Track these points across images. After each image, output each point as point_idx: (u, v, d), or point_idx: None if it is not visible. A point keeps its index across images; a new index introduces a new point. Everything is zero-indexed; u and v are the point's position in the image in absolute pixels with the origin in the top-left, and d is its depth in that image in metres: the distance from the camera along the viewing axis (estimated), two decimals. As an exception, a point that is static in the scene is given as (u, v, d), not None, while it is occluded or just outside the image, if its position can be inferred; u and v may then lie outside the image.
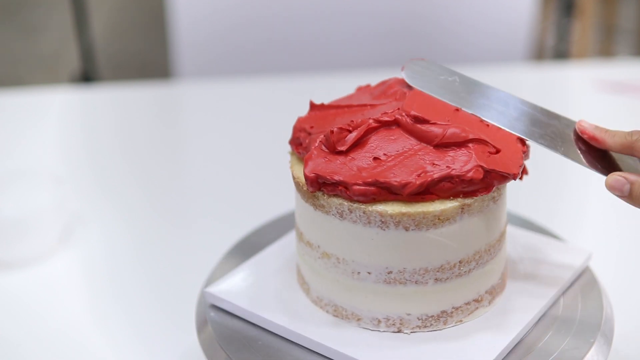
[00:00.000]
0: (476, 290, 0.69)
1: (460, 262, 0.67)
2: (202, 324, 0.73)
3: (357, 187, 0.64)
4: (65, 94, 1.54)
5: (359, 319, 0.69)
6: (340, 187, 0.64)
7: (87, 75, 2.33)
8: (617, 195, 0.64)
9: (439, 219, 0.64)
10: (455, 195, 0.65)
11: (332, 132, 0.66)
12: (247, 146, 1.27)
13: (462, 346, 0.66)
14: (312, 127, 0.70)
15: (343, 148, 0.66)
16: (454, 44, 1.68)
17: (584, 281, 0.75)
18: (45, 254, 0.98)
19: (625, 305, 0.81)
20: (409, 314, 0.68)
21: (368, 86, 0.77)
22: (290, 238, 0.80)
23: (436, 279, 0.67)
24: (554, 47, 2.58)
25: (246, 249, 0.81)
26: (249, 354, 0.68)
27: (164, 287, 0.95)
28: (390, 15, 1.65)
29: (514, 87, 1.47)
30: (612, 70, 1.57)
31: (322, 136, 0.67)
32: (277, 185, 1.06)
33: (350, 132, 0.67)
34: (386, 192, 0.64)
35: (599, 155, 0.67)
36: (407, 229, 0.64)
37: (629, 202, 0.64)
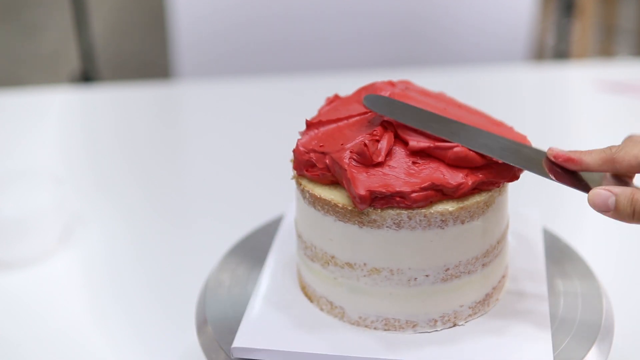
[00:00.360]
0: (504, 266, 0.73)
1: (497, 242, 0.70)
2: (202, 324, 0.73)
3: (416, 194, 0.64)
4: (65, 94, 1.54)
5: (414, 326, 0.68)
6: (396, 198, 0.64)
7: (87, 75, 2.33)
8: (602, 212, 0.61)
9: (486, 205, 0.67)
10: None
11: (365, 144, 0.65)
12: (247, 146, 1.27)
13: (517, 323, 0.69)
14: (322, 146, 0.68)
15: (381, 159, 0.65)
16: (454, 44, 1.68)
17: (584, 281, 0.75)
18: (45, 254, 0.98)
19: (625, 305, 0.81)
20: (461, 306, 0.69)
21: (337, 96, 0.76)
22: (283, 254, 0.78)
23: (483, 265, 0.69)
24: (554, 47, 2.58)
25: (246, 249, 0.81)
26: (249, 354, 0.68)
27: (164, 287, 0.95)
28: (390, 16, 1.65)
29: (514, 87, 1.47)
30: (612, 70, 1.57)
31: (347, 152, 0.65)
32: (277, 185, 1.06)
33: (378, 141, 0.66)
34: (440, 193, 0.65)
35: (573, 180, 0.67)
36: (463, 222, 0.66)
37: (615, 217, 0.61)
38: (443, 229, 0.65)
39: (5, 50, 3.31)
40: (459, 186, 0.64)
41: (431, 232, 0.65)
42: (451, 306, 0.69)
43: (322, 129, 0.70)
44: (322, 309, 0.71)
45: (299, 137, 0.71)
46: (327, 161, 0.67)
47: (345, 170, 0.65)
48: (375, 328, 0.69)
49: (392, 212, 0.64)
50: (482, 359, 0.65)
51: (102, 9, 3.50)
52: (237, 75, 1.56)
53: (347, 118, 0.70)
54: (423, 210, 0.64)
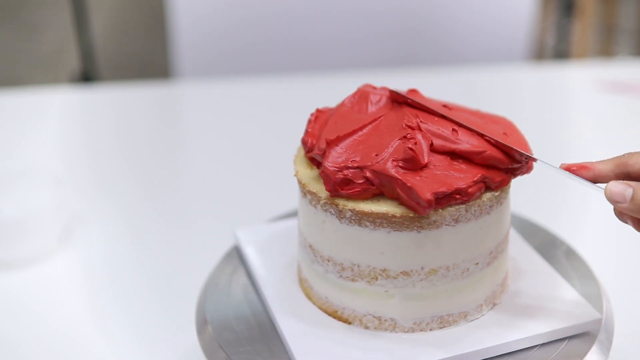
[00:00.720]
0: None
1: (508, 225, 0.74)
2: (202, 324, 0.73)
3: (471, 188, 0.65)
4: (65, 94, 1.54)
5: (466, 316, 0.70)
6: (455, 195, 0.64)
7: (87, 75, 2.33)
8: (618, 203, 0.63)
9: (509, 186, 0.70)
10: None
11: (411, 149, 0.64)
12: (247, 146, 1.27)
13: (539, 287, 0.73)
14: (354, 161, 0.66)
15: (427, 159, 0.65)
16: (454, 44, 1.68)
17: (584, 281, 0.75)
18: (45, 254, 0.98)
19: (625, 305, 0.81)
20: (497, 285, 0.72)
21: (320, 111, 0.74)
22: (275, 279, 0.76)
23: (507, 242, 0.73)
24: (554, 47, 2.58)
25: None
26: (249, 353, 0.68)
27: (164, 287, 0.95)
28: (390, 15, 1.65)
29: (514, 87, 1.47)
30: (612, 70, 1.57)
31: (390, 161, 0.65)
32: (277, 185, 1.06)
33: (416, 144, 0.66)
34: (485, 184, 0.67)
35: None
36: (501, 204, 0.69)
37: (628, 210, 0.63)
38: (489, 214, 0.67)
39: (5, 50, 3.31)
40: (502, 181, 0.67)
41: (482, 220, 0.67)
42: (491, 288, 0.71)
43: (342, 145, 0.68)
44: (367, 327, 0.70)
45: (321, 156, 0.68)
46: (367, 175, 0.65)
47: (398, 178, 0.64)
48: (430, 329, 0.69)
49: (450, 210, 0.65)
50: (538, 328, 0.68)
51: (102, 9, 3.51)
52: (237, 75, 1.56)
53: (361, 128, 0.69)
54: (478, 200, 0.66)
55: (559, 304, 0.71)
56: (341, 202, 0.66)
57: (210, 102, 1.43)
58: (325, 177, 0.66)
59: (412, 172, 0.65)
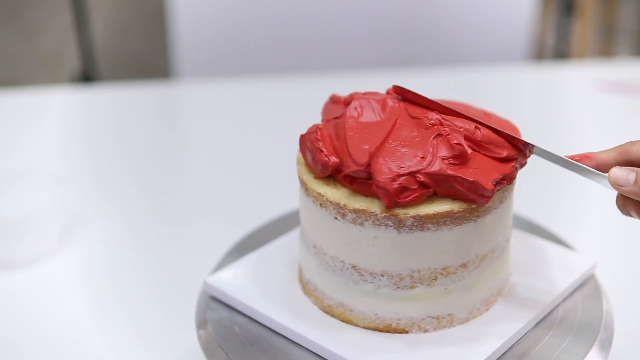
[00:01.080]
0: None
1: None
2: (202, 324, 0.73)
3: (512, 170, 0.67)
4: (65, 94, 1.54)
5: (501, 292, 0.72)
6: (504, 181, 0.66)
7: (87, 75, 2.34)
8: (621, 187, 0.63)
9: None
10: None
11: (459, 144, 0.65)
12: (247, 146, 1.27)
13: (531, 258, 0.77)
14: (401, 167, 0.65)
15: (470, 151, 0.66)
16: (454, 44, 1.68)
17: (584, 282, 0.75)
18: (45, 254, 0.98)
19: (625, 306, 0.81)
20: (510, 257, 0.75)
21: (318, 127, 0.71)
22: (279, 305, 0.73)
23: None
24: (554, 47, 2.58)
25: (246, 249, 0.81)
26: (249, 354, 0.68)
27: (164, 287, 0.95)
28: (390, 15, 1.65)
29: (514, 87, 1.47)
30: (612, 70, 1.57)
31: (438, 159, 0.65)
32: (277, 184, 1.06)
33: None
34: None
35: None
36: (516, 180, 0.71)
37: (633, 194, 0.63)
38: (513, 191, 0.71)
39: (5, 50, 3.32)
40: (525, 157, 0.70)
41: (511, 197, 0.70)
42: (507, 272, 0.74)
43: (382, 155, 0.66)
44: (426, 331, 0.69)
45: (364, 172, 0.66)
46: (420, 179, 0.65)
47: (458, 176, 0.64)
48: (480, 314, 0.71)
49: (499, 192, 0.67)
50: (559, 286, 0.72)
51: (102, 9, 3.51)
52: (237, 75, 1.56)
53: (387, 136, 0.68)
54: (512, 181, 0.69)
55: (555, 260, 0.76)
56: (401, 212, 0.65)
57: (210, 102, 1.43)
58: (381, 190, 0.65)
59: (463, 166, 0.65)
